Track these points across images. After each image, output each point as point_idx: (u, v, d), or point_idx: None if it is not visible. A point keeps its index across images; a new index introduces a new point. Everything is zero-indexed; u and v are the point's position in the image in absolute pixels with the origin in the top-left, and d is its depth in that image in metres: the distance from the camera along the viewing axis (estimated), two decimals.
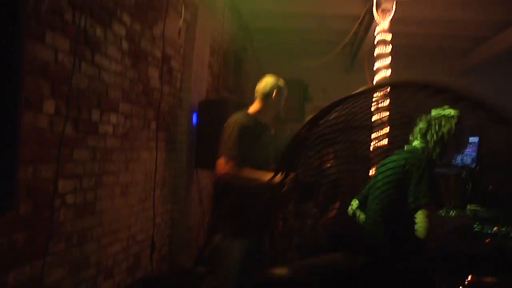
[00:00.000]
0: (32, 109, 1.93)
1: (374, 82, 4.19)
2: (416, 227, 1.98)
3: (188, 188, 4.03)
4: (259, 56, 6.29)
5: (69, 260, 2.27)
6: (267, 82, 2.84)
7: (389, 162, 2.27)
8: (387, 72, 4.08)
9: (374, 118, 4.23)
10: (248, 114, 2.82)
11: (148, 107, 3.22)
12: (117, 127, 2.74)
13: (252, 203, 2.70)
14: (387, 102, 4.12)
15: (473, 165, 2.72)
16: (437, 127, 2.13)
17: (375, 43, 4.13)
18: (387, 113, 4.08)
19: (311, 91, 6.78)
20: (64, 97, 2.14)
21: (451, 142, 2.12)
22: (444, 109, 2.19)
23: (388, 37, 4.02)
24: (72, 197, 2.28)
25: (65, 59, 2.14)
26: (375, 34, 4.16)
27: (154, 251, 3.47)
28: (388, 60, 4.07)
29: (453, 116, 2.14)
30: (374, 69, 4.16)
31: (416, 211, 2.00)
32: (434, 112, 2.22)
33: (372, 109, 4.26)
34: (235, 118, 2.71)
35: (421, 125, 2.22)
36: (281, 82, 2.86)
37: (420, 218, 1.98)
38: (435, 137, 2.12)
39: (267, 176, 2.57)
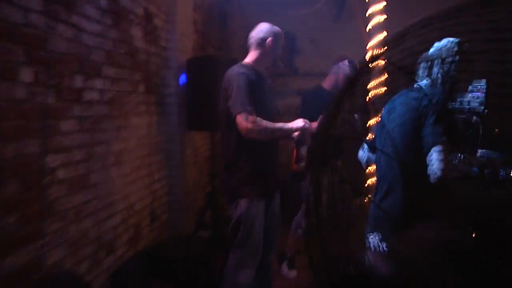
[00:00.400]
0: (6, 78, 1.73)
1: (368, 29, 3.97)
2: (431, 167, 1.83)
3: (183, 152, 3.88)
4: (245, 9, 5.98)
5: (67, 238, 2.14)
6: (261, 28, 2.66)
7: (399, 104, 2.13)
8: (381, 18, 3.86)
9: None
10: (245, 65, 2.62)
11: (134, 69, 3.00)
12: (103, 93, 2.53)
13: (273, 162, 2.65)
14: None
15: (481, 109, 2.59)
16: (440, 61, 1.99)
17: None
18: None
19: (299, 43, 6.54)
20: (42, 64, 1.93)
21: (457, 74, 1.99)
22: (442, 41, 2.04)
23: None
24: (63, 172, 2.11)
25: (38, 20, 1.91)
26: None
27: (154, 219, 3.37)
28: (382, 4, 3.83)
29: (453, 45, 1.99)
30: (367, 15, 3.92)
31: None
32: (433, 47, 2.07)
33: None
34: (236, 71, 2.51)
35: (424, 63, 2.08)
36: (276, 29, 2.67)
37: (435, 155, 1.84)
38: (441, 73, 1.98)
39: (290, 124, 2.47)
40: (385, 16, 3.84)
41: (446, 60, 1.97)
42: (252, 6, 5.84)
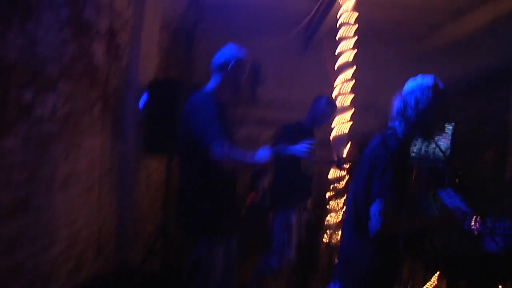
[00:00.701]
0: None
1: (337, 65, 4.00)
2: (371, 222, 1.77)
3: (136, 176, 3.68)
4: (211, 35, 5.92)
5: None
6: (224, 51, 2.38)
7: (367, 149, 2.02)
8: (351, 55, 3.90)
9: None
10: (209, 93, 2.37)
11: (92, 86, 2.82)
12: (56, 109, 2.33)
13: (235, 199, 2.43)
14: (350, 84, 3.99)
15: (448, 154, 2.60)
16: (413, 102, 1.89)
17: (338, 24, 3.93)
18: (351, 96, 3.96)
19: (263, 73, 6.54)
20: None
21: (433, 118, 1.87)
22: (417, 80, 1.95)
23: (353, 18, 3.82)
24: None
25: None
26: (338, 15, 3.96)
27: (100, 247, 3.12)
28: (352, 42, 3.88)
29: (428, 86, 1.90)
30: (337, 51, 3.96)
31: None
32: (408, 86, 1.97)
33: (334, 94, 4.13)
34: (201, 99, 2.28)
35: (398, 103, 1.96)
36: (241, 52, 2.39)
37: (374, 209, 1.76)
38: (414, 114, 1.87)
39: (262, 153, 2.28)
40: (355, 52, 3.88)
41: (420, 103, 1.88)
42: (218, 33, 5.80)
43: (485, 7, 4.49)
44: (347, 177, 4.01)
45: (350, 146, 4.03)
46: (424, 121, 1.87)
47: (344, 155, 3.76)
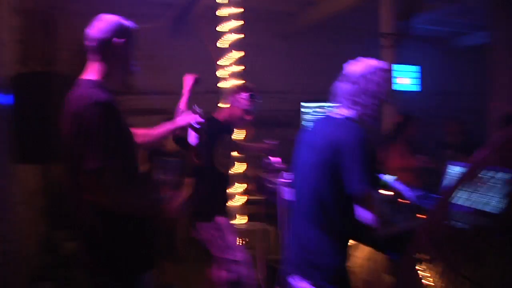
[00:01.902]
0: None
1: (218, 46, 3.86)
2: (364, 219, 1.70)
3: (7, 190, 3.09)
4: (71, 19, 5.26)
5: None
6: (102, 24, 1.79)
7: (314, 137, 1.88)
8: (234, 36, 3.79)
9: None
10: (95, 83, 1.77)
11: None
12: None
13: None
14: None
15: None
16: (364, 84, 1.79)
17: (218, 1, 3.77)
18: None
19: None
20: None
21: (383, 96, 1.80)
22: (362, 62, 1.85)
23: None
24: None
25: None
26: None
27: None
28: (235, 23, 3.78)
29: (377, 68, 1.82)
30: (218, 30, 3.81)
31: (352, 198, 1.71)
32: (352, 68, 1.85)
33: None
34: (91, 98, 1.66)
35: (347, 86, 1.83)
36: (126, 22, 1.86)
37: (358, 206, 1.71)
38: (371, 100, 1.78)
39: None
40: (241, 36, 3.79)
41: (375, 86, 1.79)
42: (82, 17, 5.18)
43: None
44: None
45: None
46: (376, 103, 1.81)
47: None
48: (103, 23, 1.79)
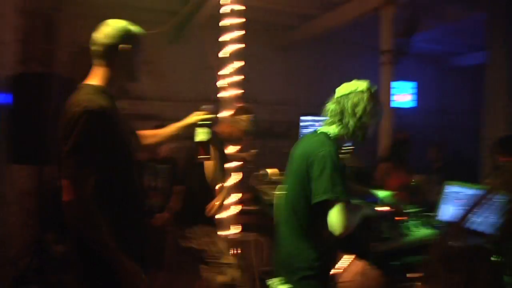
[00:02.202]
0: None
1: (220, 55, 3.87)
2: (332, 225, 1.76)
3: (1, 190, 3.06)
4: (73, 21, 5.26)
5: None
6: (109, 29, 1.77)
7: (297, 150, 1.99)
8: (235, 46, 3.81)
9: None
10: (96, 88, 1.74)
11: None
12: None
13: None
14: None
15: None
16: (348, 107, 1.88)
17: (221, 13, 3.79)
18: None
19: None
20: None
21: (369, 121, 1.88)
22: (351, 84, 1.94)
23: (238, 8, 3.73)
24: None
25: None
26: (221, 3, 3.82)
27: None
28: (236, 33, 3.79)
29: (363, 91, 1.90)
30: (220, 40, 3.83)
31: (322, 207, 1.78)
32: (341, 90, 1.95)
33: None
34: (85, 103, 1.62)
35: (332, 106, 1.94)
36: (132, 28, 1.82)
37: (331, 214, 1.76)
38: (353, 121, 1.87)
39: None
40: (241, 46, 3.80)
41: (357, 108, 1.87)
42: (82, 20, 5.18)
43: (354, 2, 4.82)
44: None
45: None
46: (361, 125, 1.87)
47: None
48: (110, 28, 1.76)
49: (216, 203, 3.06)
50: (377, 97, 1.93)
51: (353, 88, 1.92)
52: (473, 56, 7.75)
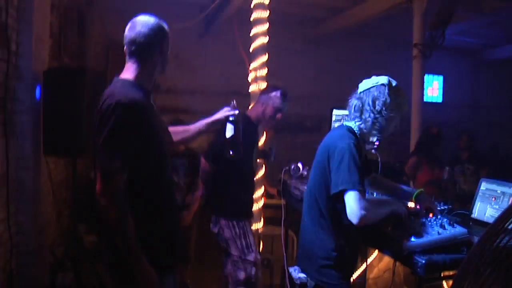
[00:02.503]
0: None
1: (251, 49, 3.88)
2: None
3: (37, 183, 3.16)
4: (106, 16, 5.36)
5: None
6: (141, 27, 1.78)
7: (322, 143, 2.07)
8: (265, 39, 3.80)
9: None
10: (130, 83, 1.78)
11: None
12: None
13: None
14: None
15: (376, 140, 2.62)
16: (370, 101, 1.91)
17: (252, 6, 3.79)
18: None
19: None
20: None
21: (391, 115, 1.91)
22: (372, 79, 1.99)
23: (268, 0, 3.72)
24: None
25: None
26: None
27: None
28: (266, 26, 3.79)
29: (383, 84, 1.93)
30: (251, 34, 3.83)
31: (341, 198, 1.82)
32: (363, 85, 2.01)
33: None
34: (120, 96, 1.66)
35: (354, 102, 2.00)
36: (162, 25, 1.85)
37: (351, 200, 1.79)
38: (373, 115, 1.90)
39: None
40: (267, 39, 3.80)
41: (377, 101, 1.91)
42: (111, 14, 5.27)
43: None
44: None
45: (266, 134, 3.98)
46: (382, 119, 1.90)
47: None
48: (142, 25, 1.79)
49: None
50: (400, 91, 1.95)
51: (374, 82, 1.95)
52: (507, 49, 7.49)
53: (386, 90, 1.91)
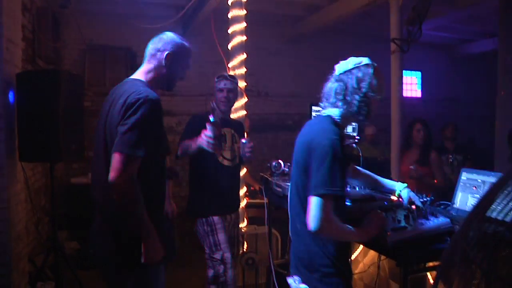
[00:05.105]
0: None
1: (230, 47, 3.85)
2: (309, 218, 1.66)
3: (12, 189, 3.07)
4: (81, 18, 5.26)
5: None
6: (161, 37, 2.07)
7: (299, 138, 1.91)
8: (243, 37, 3.78)
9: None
10: (143, 83, 1.98)
11: None
12: None
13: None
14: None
15: (356, 135, 2.62)
16: (354, 82, 1.77)
17: (230, 4, 3.77)
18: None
19: (139, 59, 6.10)
20: None
21: (374, 96, 1.78)
22: (351, 60, 1.85)
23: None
24: None
25: None
26: None
27: None
28: (243, 24, 3.76)
29: (367, 65, 1.80)
30: (229, 32, 3.81)
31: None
32: (342, 67, 1.85)
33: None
34: (145, 93, 1.84)
35: (333, 85, 1.83)
36: (181, 42, 2.09)
37: (311, 206, 1.65)
38: (359, 96, 1.76)
39: None
40: (245, 38, 3.78)
41: (363, 83, 1.77)
42: (87, 16, 5.16)
43: None
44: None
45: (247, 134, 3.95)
46: (367, 101, 1.79)
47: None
48: (161, 37, 2.06)
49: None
50: (381, 72, 1.84)
51: (355, 63, 1.82)
52: (483, 43, 7.63)
53: (371, 71, 1.79)
